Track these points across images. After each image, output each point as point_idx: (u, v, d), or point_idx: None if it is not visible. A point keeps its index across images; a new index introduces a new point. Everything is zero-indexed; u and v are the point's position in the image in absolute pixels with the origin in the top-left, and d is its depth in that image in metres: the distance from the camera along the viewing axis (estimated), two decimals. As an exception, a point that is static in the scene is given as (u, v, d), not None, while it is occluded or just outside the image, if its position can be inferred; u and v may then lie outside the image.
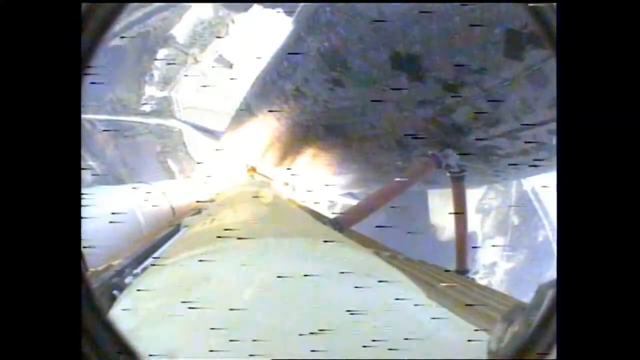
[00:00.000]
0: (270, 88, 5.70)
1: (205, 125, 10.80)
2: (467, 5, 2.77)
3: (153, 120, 10.68)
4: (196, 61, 10.49)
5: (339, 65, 3.98)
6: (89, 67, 0.58)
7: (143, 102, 10.56)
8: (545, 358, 0.59)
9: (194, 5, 10.36)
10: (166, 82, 10.65)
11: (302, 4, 4.60)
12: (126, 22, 9.94)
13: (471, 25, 2.83)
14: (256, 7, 9.90)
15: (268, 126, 6.57)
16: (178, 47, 10.47)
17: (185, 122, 10.94)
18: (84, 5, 0.57)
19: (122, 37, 9.89)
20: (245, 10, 10.06)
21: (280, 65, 5.08)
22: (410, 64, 3.41)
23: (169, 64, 10.29)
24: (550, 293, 0.62)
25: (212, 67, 10.44)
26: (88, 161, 10.87)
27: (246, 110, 7.31)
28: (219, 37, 10.15)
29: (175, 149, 11.13)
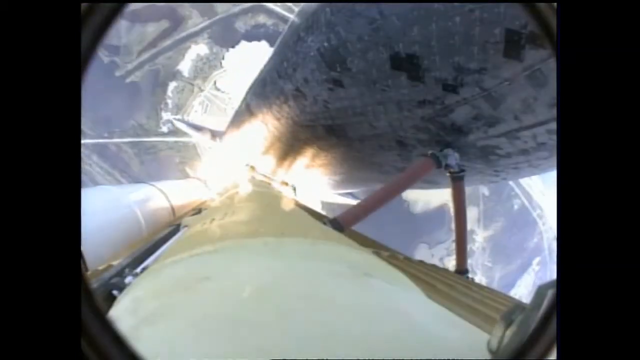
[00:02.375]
0: (270, 88, 5.70)
1: (205, 125, 11.64)
2: (467, 5, 2.77)
3: (171, 139, 13.01)
4: (201, 90, 12.78)
5: (339, 65, 3.98)
6: (89, 67, 0.58)
7: (161, 125, 12.99)
8: (545, 358, 0.59)
9: (192, 45, 12.66)
10: (179, 107, 12.92)
11: (302, 3, 4.60)
12: (138, 62, 12.35)
13: (471, 25, 2.84)
14: (243, 42, 12.42)
15: (268, 126, 6.57)
16: (184, 79, 12.78)
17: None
18: (84, 5, 0.57)
19: (137, 75, 12.34)
20: (233, 46, 12.53)
21: (280, 65, 5.08)
22: (410, 64, 3.41)
23: (179, 93, 12.68)
24: (550, 293, 0.62)
25: (214, 94, 12.76)
26: (117, 176, 13.06)
27: (246, 111, 7.32)
28: (215, 70, 12.54)
29: (191, 159, 13.26)
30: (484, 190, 14.77)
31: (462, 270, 4.70)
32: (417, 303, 1.18)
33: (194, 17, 12.71)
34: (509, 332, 0.64)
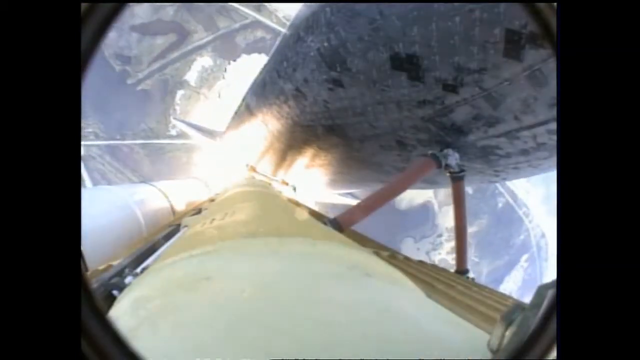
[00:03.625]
0: (270, 88, 5.70)
1: (205, 126, 12.00)
2: (467, 5, 2.77)
3: (179, 141, 14.44)
4: (206, 97, 14.37)
5: (339, 65, 3.98)
6: (89, 67, 0.58)
7: (169, 128, 14.41)
8: (545, 358, 0.59)
9: (198, 57, 14.30)
10: (186, 113, 14.32)
11: (302, 3, 4.61)
12: (149, 71, 13.99)
13: (471, 25, 2.84)
14: (244, 55, 14.21)
15: (268, 126, 6.57)
16: (191, 88, 14.37)
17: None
18: (84, 5, 0.57)
19: (148, 83, 14.01)
20: (235, 59, 14.27)
21: (280, 65, 5.08)
22: (410, 64, 3.41)
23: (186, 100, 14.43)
24: (550, 293, 0.62)
25: (218, 103, 14.26)
26: (128, 175, 14.42)
27: (246, 111, 7.31)
28: (219, 80, 14.18)
29: (197, 160, 14.58)
30: (468, 188, 15.17)
31: (462, 270, 4.70)
32: (417, 303, 1.18)
33: (199, 32, 14.29)
34: (509, 332, 0.64)
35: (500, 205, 15.64)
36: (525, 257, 15.83)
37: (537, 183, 14.92)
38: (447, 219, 15.65)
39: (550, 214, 15.72)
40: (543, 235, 15.87)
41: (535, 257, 15.80)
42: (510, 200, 15.61)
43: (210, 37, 14.21)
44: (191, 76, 14.40)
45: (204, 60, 14.39)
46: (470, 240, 15.82)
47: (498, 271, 15.48)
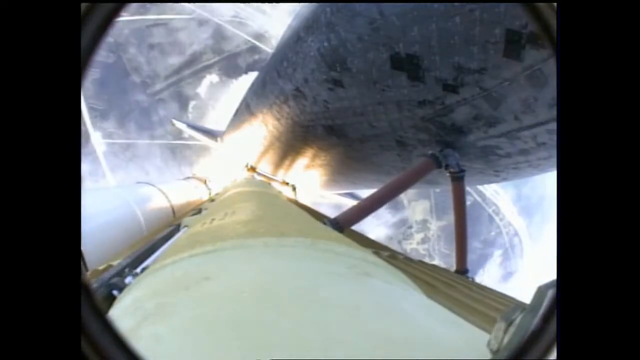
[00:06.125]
0: (270, 88, 5.70)
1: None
2: (467, 5, 2.77)
3: (190, 142, 16.93)
4: (214, 108, 17.66)
5: (339, 65, 3.98)
6: (89, 67, 0.58)
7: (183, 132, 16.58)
8: (545, 358, 0.59)
9: (207, 75, 17.42)
10: (197, 120, 17.18)
11: (302, 3, 4.61)
12: (166, 83, 17.40)
13: (471, 25, 2.84)
14: (243, 75, 17.25)
15: (268, 126, 6.57)
16: (202, 100, 17.84)
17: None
18: (84, 5, 0.57)
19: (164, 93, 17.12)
20: (236, 78, 17.57)
21: (280, 65, 5.08)
22: (410, 64, 3.41)
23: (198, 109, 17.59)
24: (550, 293, 0.62)
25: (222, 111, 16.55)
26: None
27: (246, 111, 7.31)
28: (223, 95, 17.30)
29: (204, 159, 17.06)
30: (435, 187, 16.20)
31: (462, 270, 4.70)
32: (417, 303, 1.18)
33: (208, 53, 17.50)
34: (509, 332, 0.64)
35: (468, 203, 16.46)
36: (498, 252, 16.86)
37: (506, 186, 16.11)
38: (417, 212, 17.40)
39: (522, 214, 16.53)
40: (516, 234, 16.62)
41: (509, 254, 16.75)
42: (479, 199, 16.79)
43: (217, 58, 17.29)
44: (201, 90, 17.53)
45: (211, 78, 17.44)
46: (439, 233, 16.57)
47: (470, 265, 16.05)
